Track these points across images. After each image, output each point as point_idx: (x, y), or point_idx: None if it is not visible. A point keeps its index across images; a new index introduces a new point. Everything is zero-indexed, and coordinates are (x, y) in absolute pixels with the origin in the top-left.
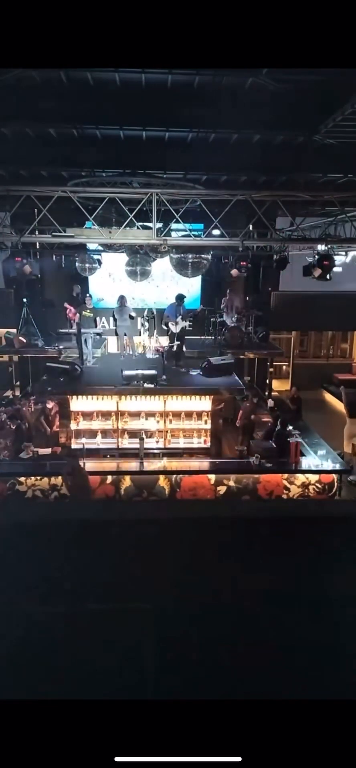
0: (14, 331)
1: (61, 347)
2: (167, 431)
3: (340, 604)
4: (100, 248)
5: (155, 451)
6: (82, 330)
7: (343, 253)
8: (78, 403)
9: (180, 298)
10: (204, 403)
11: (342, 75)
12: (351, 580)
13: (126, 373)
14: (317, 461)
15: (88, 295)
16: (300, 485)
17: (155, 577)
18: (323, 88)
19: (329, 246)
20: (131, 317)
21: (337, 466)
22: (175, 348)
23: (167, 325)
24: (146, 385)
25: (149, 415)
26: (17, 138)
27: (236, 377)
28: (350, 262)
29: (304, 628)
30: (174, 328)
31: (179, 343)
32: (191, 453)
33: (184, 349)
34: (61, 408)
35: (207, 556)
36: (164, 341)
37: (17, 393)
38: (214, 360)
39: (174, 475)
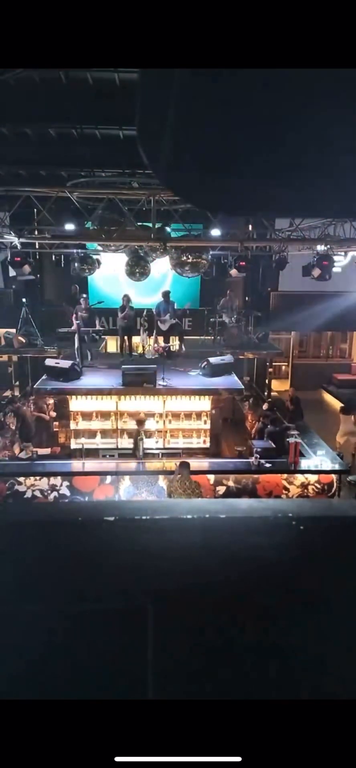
0: (13, 330)
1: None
2: (166, 431)
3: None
4: (99, 248)
5: (155, 451)
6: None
7: (342, 253)
8: (77, 403)
9: (165, 294)
10: (203, 403)
11: None
12: (351, 581)
13: (125, 367)
14: (316, 461)
15: (84, 295)
16: (299, 485)
17: (154, 577)
18: None
19: (328, 246)
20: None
21: (336, 467)
22: (171, 347)
23: (157, 323)
24: (145, 384)
25: (149, 415)
26: (17, 138)
27: (236, 377)
28: (349, 263)
29: (304, 628)
30: (162, 327)
31: (171, 344)
32: (190, 453)
33: (174, 347)
34: (59, 408)
35: (207, 555)
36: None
37: (16, 393)
38: (213, 360)
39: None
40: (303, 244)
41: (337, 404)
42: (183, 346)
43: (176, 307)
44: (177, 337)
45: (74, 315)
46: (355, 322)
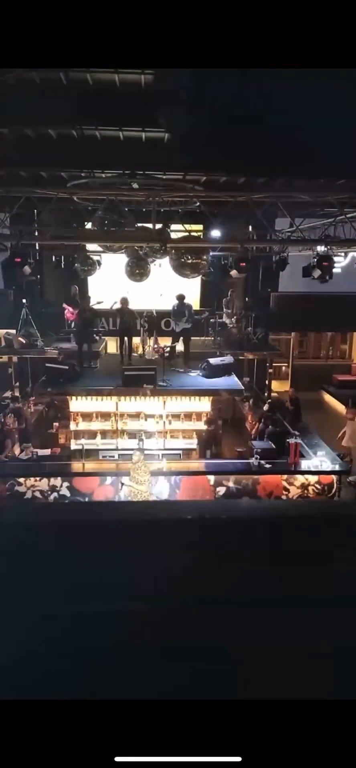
0: (14, 331)
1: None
2: (166, 432)
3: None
4: (99, 249)
5: (155, 452)
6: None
7: (342, 254)
8: (77, 404)
9: (180, 297)
10: (203, 404)
11: None
12: (351, 581)
13: (125, 368)
14: (316, 462)
15: (88, 296)
16: (300, 486)
17: (155, 577)
18: None
19: (328, 247)
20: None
21: (336, 467)
22: (178, 347)
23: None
24: (145, 385)
25: (149, 416)
26: (17, 139)
27: (236, 378)
28: (349, 264)
29: (305, 629)
30: (176, 329)
31: (174, 344)
32: (190, 454)
33: (180, 348)
34: (59, 408)
35: (207, 556)
36: (163, 342)
37: (17, 393)
38: (213, 361)
39: (173, 476)
40: (303, 245)
41: (337, 405)
42: (188, 350)
43: (192, 311)
44: (183, 340)
45: (76, 315)
46: (355, 323)
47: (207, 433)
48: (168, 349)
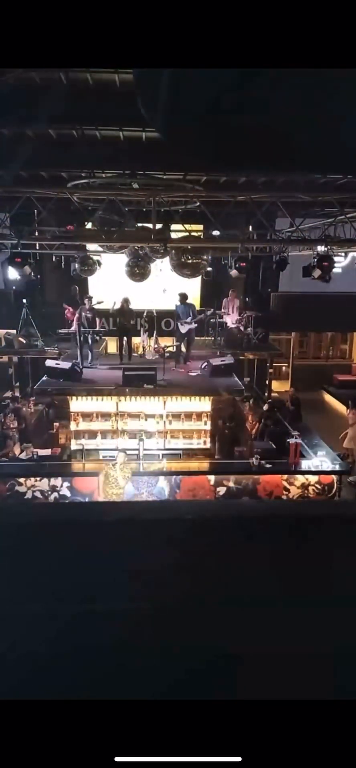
0: (14, 331)
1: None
2: (166, 432)
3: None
4: (99, 249)
5: (155, 452)
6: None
7: (342, 254)
8: (78, 404)
9: (183, 297)
10: (204, 404)
11: None
12: (351, 581)
13: (126, 368)
14: (316, 462)
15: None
16: (300, 486)
17: (155, 577)
18: None
19: (328, 247)
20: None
21: (337, 467)
22: (182, 347)
23: (177, 325)
24: (145, 385)
25: (149, 416)
26: (17, 139)
27: (236, 378)
28: (349, 264)
29: (305, 629)
30: (182, 329)
31: (179, 344)
32: (190, 454)
33: (183, 349)
34: (59, 408)
35: (207, 556)
36: (163, 342)
37: (17, 393)
38: (214, 361)
39: (174, 476)
40: (303, 245)
41: (338, 405)
42: (189, 350)
43: (196, 311)
44: (186, 340)
45: (78, 315)
46: (355, 323)
47: (230, 431)
48: (169, 348)
